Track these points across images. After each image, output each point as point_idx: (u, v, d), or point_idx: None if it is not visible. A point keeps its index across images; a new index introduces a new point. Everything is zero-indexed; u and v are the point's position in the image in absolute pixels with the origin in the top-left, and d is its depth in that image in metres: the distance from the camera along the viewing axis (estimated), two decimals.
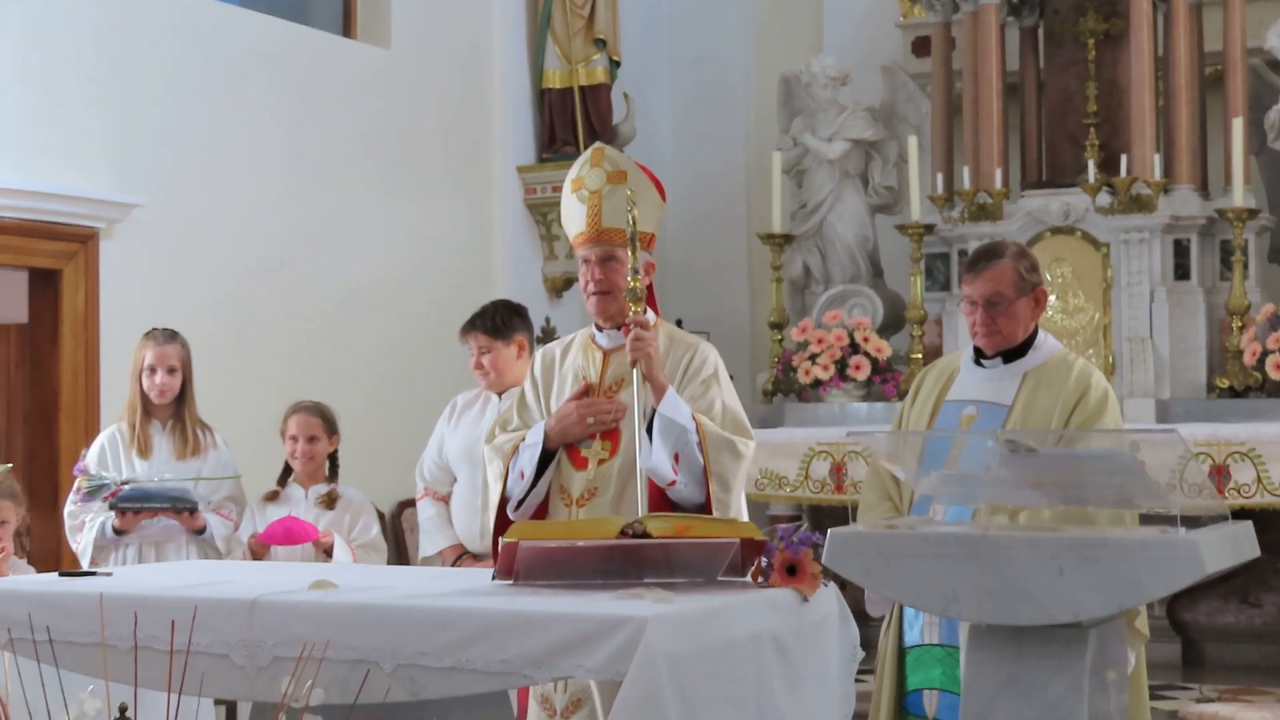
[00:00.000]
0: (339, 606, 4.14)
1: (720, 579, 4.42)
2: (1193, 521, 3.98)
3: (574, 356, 5.41)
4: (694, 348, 5.32)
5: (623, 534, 4.33)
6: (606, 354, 5.33)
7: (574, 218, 5.37)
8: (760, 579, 4.35)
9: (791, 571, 4.32)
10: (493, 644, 3.91)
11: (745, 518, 5.31)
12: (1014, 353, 5.06)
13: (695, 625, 3.96)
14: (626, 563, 4.35)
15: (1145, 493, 4.03)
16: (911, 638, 5.04)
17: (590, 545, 4.32)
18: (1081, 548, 3.81)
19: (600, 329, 5.37)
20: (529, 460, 5.23)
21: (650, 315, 5.36)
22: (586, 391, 5.28)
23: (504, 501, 5.31)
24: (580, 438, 5.24)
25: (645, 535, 4.33)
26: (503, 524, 5.24)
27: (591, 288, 5.29)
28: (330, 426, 6.82)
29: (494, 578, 4.47)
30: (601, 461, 5.20)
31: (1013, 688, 3.96)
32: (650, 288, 5.43)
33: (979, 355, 5.12)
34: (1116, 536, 3.85)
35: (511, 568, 4.39)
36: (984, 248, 5.16)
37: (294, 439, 6.76)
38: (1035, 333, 5.09)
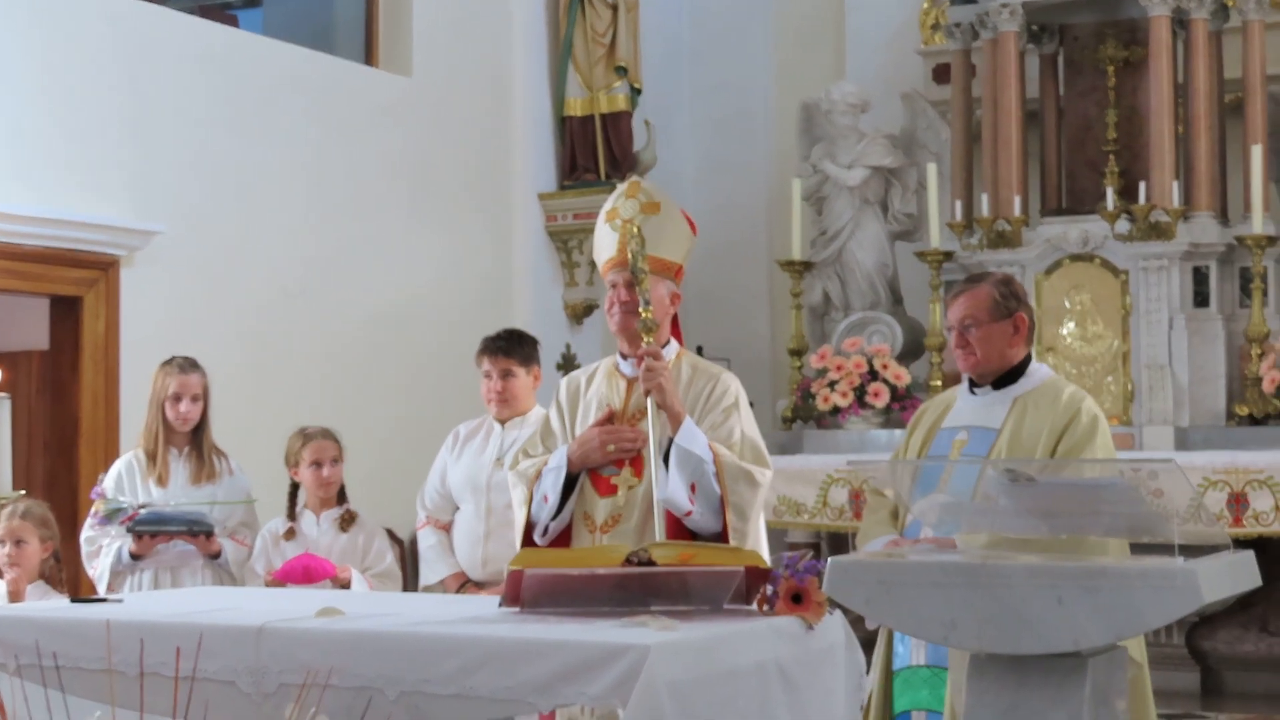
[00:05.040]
0: (344, 633, 4.17)
1: (726, 607, 4.44)
2: (1194, 551, 3.99)
3: (598, 384, 5.48)
4: (716, 378, 5.40)
5: (628, 562, 4.35)
6: (630, 382, 5.40)
7: (605, 245, 5.47)
8: (765, 607, 4.36)
9: (797, 599, 4.33)
10: (496, 671, 3.93)
11: (765, 545, 5.36)
12: (1005, 379, 5.11)
13: (698, 653, 3.98)
14: (632, 591, 4.37)
15: (1145, 522, 4.04)
16: (900, 659, 5.07)
17: (594, 573, 4.34)
18: (1081, 577, 3.82)
19: (625, 357, 5.43)
20: (553, 484, 5.29)
21: (674, 345, 5.44)
22: (610, 418, 5.34)
23: (530, 527, 5.36)
24: (601, 463, 5.30)
25: (650, 563, 4.35)
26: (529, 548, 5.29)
27: (617, 308, 5.37)
28: (341, 449, 6.85)
29: (501, 605, 4.49)
30: (630, 488, 5.25)
31: (1013, 716, 3.96)
32: (676, 318, 5.53)
33: (973, 384, 5.19)
34: (1116, 566, 3.86)
35: (517, 595, 4.41)
36: (968, 277, 5.28)
37: (316, 465, 6.76)
38: (1028, 360, 5.14)
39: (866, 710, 5.12)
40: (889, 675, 5.10)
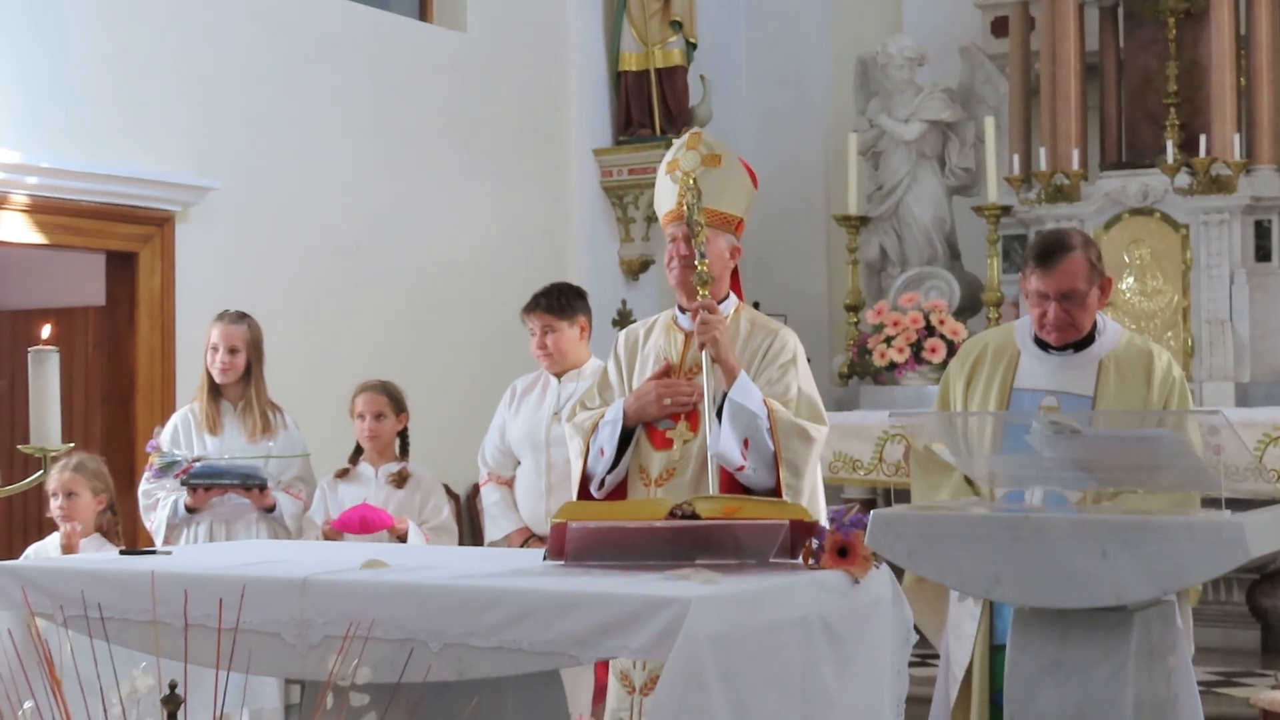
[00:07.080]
0: (387, 586, 4.16)
1: (772, 561, 4.42)
2: (1244, 504, 3.94)
3: (656, 337, 5.45)
4: (775, 333, 5.35)
5: (672, 515, 4.33)
6: (688, 336, 5.35)
7: (666, 197, 5.42)
8: (811, 561, 4.34)
9: (842, 553, 4.30)
10: (537, 624, 3.91)
11: (821, 501, 5.31)
12: (1084, 340, 4.91)
13: (741, 607, 3.94)
14: (677, 544, 4.34)
15: (1191, 475, 4.00)
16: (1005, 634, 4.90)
17: (638, 526, 4.32)
18: (1124, 530, 3.78)
19: (683, 310, 5.39)
20: (609, 437, 5.27)
21: (733, 299, 5.40)
22: (667, 372, 5.31)
23: (586, 480, 5.35)
24: (657, 417, 5.27)
25: (694, 516, 4.33)
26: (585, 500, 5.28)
27: (675, 261, 5.33)
28: (397, 404, 6.86)
29: (545, 558, 4.49)
30: (686, 442, 5.22)
31: (1057, 671, 3.93)
32: (736, 271, 5.47)
33: (1043, 342, 4.96)
34: (1159, 519, 3.81)
35: (561, 548, 4.40)
36: (1052, 239, 4.93)
37: (361, 416, 6.82)
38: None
39: (965, 685, 4.99)
40: (990, 650, 4.91)
